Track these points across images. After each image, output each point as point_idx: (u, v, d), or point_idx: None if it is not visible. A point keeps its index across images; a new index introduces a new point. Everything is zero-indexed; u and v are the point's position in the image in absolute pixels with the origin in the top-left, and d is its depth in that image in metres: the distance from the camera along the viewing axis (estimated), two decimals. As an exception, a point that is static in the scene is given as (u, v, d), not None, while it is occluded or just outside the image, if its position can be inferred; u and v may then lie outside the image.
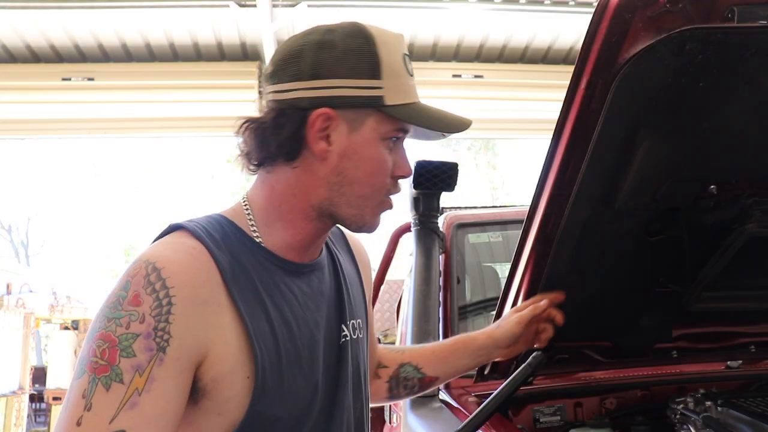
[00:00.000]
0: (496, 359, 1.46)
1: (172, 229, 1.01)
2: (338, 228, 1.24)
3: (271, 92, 1.03)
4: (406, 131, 1.05)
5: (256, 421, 0.98)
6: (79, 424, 0.85)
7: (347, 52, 1.00)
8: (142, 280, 0.91)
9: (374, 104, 1.00)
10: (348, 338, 1.13)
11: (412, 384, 1.38)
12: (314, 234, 1.07)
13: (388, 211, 1.10)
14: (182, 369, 0.91)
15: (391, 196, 1.08)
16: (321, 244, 1.13)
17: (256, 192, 1.08)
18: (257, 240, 1.04)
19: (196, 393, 0.95)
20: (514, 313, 1.40)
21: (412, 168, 1.08)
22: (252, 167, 1.06)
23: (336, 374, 1.09)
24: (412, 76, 1.06)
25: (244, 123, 1.05)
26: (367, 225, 1.07)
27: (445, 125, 1.05)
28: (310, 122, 1.00)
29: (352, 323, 1.15)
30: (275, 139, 1.01)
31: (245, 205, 1.07)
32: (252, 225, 1.05)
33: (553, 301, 1.40)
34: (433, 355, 1.40)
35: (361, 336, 1.17)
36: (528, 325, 1.38)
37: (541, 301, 1.39)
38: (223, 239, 1.00)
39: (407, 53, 1.06)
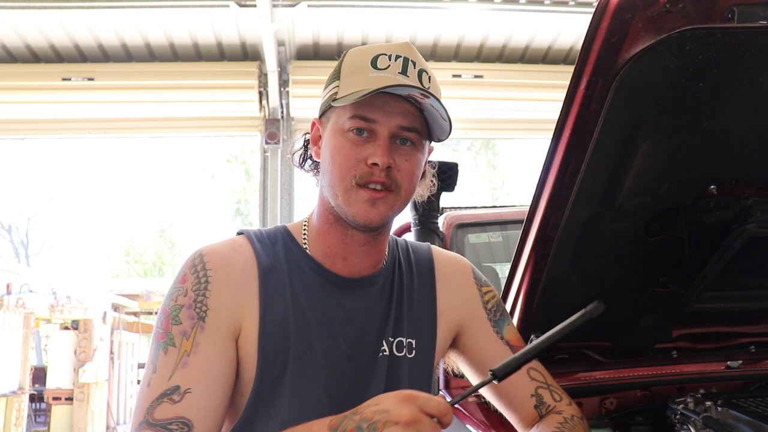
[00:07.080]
0: None
1: (238, 233, 1.20)
2: (429, 253, 1.31)
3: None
4: (365, 118, 1.09)
5: (260, 405, 1.07)
6: (148, 384, 1.02)
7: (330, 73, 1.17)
8: (190, 264, 1.11)
9: (330, 101, 1.13)
10: (386, 354, 1.17)
11: None
12: (342, 241, 1.16)
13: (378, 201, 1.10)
14: (222, 338, 1.06)
15: (374, 186, 1.09)
16: (364, 258, 1.18)
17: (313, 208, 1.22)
18: (304, 247, 1.18)
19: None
20: None
21: (388, 157, 1.09)
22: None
23: (364, 386, 1.13)
24: (381, 69, 1.09)
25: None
26: (352, 215, 1.10)
27: (372, 88, 1.05)
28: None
29: (399, 341, 1.19)
30: (302, 159, 1.23)
31: (305, 219, 1.23)
32: (304, 236, 1.20)
33: None
34: None
35: (410, 356, 1.19)
36: None
37: None
38: (273, 243, 1.17)
39: (387, 53, 1.10)
